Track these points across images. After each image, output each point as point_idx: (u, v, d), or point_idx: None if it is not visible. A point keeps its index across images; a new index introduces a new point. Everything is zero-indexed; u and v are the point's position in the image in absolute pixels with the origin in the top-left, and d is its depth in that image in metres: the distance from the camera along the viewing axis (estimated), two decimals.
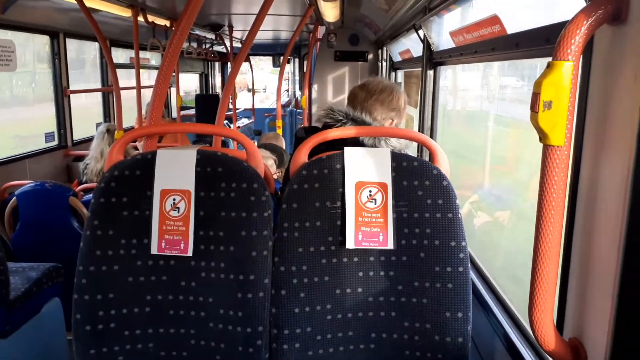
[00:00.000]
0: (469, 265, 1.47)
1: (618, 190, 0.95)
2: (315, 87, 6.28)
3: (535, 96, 0.98)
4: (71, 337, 1.53)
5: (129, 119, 5.19)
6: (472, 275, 1.95)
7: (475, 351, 1.81)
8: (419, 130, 3.42)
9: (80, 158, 4.24)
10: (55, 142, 4.76)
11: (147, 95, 4.70)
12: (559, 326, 1.19)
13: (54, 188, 3.00)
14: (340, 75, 6.23)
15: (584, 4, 0.97)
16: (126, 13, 4.25)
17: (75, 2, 3.55)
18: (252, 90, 9.85)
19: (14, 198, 3.06)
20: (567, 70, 0.95)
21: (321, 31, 6.27)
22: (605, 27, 0.98)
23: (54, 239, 3.02)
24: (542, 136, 1.00)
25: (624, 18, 0.93)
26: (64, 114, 4.75)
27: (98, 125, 4.37)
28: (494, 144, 3.06)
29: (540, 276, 1.05)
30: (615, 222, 0.95)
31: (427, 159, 1.60)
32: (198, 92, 10.31)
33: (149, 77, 7.07)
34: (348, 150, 1.49)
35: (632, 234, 0.92)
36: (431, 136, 3.32)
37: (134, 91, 4.38)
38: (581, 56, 0.98)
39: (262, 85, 13.30)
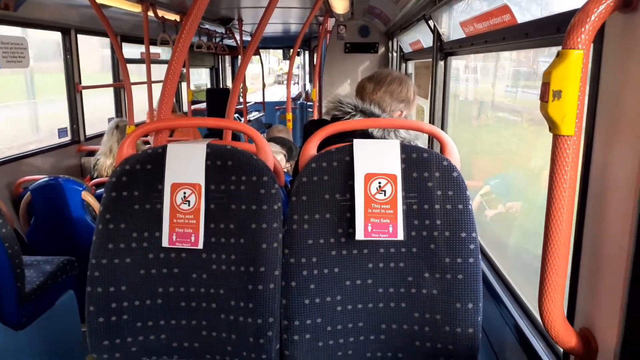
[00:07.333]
0: (480, 256, 1.47)
1: (629, 180, 0.94)
2: (325, 79, 6.25)
3: (545, 86, 0.97)
4: (85, 329, 1.55)
5: (141, 113, 5.21)
6: (483, 265, 1.94)
7: (486, 342, 1.81)
8: (430, 121, 3.40)
9: (93, 153, 4.28)
10: (68, 138, 4.81)
11: (158, 90, 4.71)
12: (570, 316, 1.19)
13: (67, 183, 3.04)
14: (350, 67, 6.20)
15: None
16: (136, 8, 4.27)
17: None
18: (263, 84, 9.85)
19: (29, 193, 3.10)
20: (577, 59, 0.94)
21: (331, 23, 6.24)
22: (617, 15, 0.96)
23: (67, 233, 3.06)
24: (552, 126, 0.99)
25: (635, 5, 0.92)
26: (76, 110, 4.79)
27: (110, 120, 4.39)
28: None
29: (551, 267, 1.04)
30: (627, 213, 0.94)
31: (437, 150, 1.60)
32: (206, 87, 10.32)
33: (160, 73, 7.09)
34: (357, 142, 1.49)
35: None
36: (442, 127, 3.30)
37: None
38: (592, 45, 0.97)
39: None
